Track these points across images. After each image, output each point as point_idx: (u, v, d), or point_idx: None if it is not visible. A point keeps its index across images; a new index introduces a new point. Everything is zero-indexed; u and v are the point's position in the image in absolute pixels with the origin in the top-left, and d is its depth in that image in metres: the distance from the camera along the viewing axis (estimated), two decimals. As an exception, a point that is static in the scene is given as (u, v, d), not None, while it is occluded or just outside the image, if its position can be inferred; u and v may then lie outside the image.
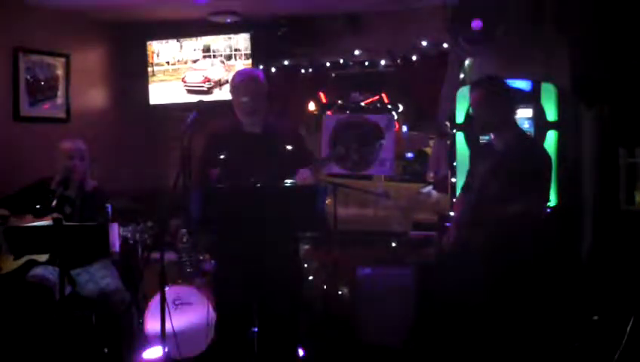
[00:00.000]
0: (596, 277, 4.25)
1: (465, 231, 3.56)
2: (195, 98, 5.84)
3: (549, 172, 3.52)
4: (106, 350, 4.12)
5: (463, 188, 3.83)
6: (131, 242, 3.97)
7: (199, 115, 3.58)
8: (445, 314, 3.70)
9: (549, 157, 3.57)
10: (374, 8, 5.33)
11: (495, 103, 3.53)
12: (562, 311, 3.98)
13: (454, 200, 4.62)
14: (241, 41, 5.67)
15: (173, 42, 5.92)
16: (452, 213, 4.44)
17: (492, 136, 3.67)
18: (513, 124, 3.64)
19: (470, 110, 3.76)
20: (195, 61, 5.85)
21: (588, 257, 4.44)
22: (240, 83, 3.61)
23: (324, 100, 5.86)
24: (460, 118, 4.56)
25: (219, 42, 5.76)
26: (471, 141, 4.48)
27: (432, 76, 5.16)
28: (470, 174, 3.80)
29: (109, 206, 4.27)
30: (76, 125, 5.63)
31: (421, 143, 5.83)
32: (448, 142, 4.84)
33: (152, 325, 4.22)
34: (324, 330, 4.68)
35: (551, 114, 4.40)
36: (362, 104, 5.70)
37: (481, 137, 4.27)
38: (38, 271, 4.03)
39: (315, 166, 3.59)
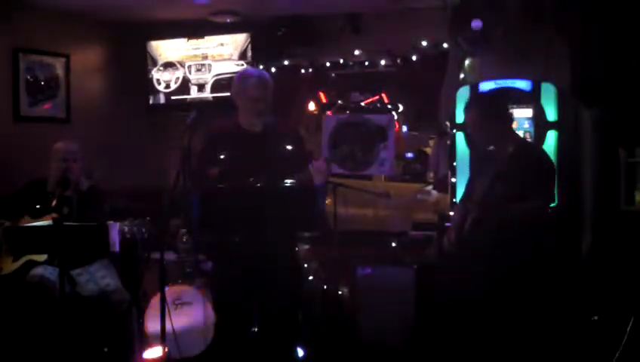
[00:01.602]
0: (596, 277, 4.25)
1: (466, 229, 3.54)
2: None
3: (552, 174, 3.55)
4: (106, 350, 4.12)
5: (462, 197, 3.80)
6: (128, 236, 3.97)
7: (199, 115, 3.58)
8: (445, 313, 3.70)
9: (551, 161, 3.61)
10: (374, 8, 5.33)
11: (491, 123, 3.52)
12: (562, 311, 3.98)
13: (454, 199, 4.63)
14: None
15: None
16: (452, 213, 4.45)
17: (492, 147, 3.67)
18: (512, 135, 3.65)
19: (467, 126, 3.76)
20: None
21: (588, 257, 4.43)
22: (254, 85, 3.55)
23: (324, 100, 5.86)
24: (459, 118, 4.55)
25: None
26: (471, 143, 4.48)
27: (432, 76, 5.16)
28: (471, 182, 3.78)
29: (106, 205, 4.27)
30: (76, 125, 5.63)
31: (421, 143, 5.83)
32: (448, 142, 4.84)
33: (152, 325, 4.22)
34: (324, 330, 4.68)
35: (551, 114, 4.40)
36: (362, 104, 5.70)
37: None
38: (37, 271, 4.03)
39: (327, 160, 3.60)
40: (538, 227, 3.41)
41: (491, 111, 3.55)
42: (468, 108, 3.65)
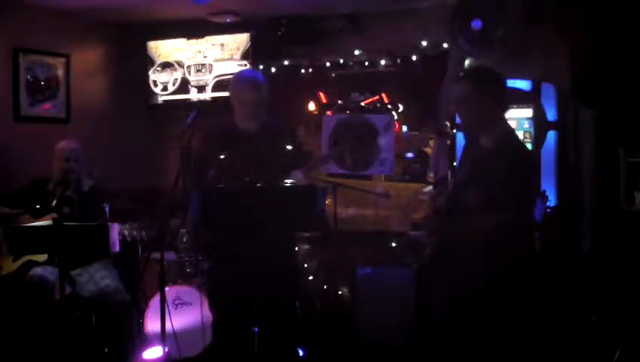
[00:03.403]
0: (596, 277, 4.25)
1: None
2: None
3: (528, 183, 3.19)
4: (106, 350, 4.12)
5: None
6: (129, 240, 3.98)
7: (199, 115, 3.58)
8: (445, 313, 3.69)
9: (530, 168, 3.27)
10: (374, 8, 5.33)
11: (481, 101, 3.11)
12: (562, 311, 3.98)
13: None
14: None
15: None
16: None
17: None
18: (502, 122, 3.22)
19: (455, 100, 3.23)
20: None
21: (588, 257, 4.44)
22: (246, 89, 3.55)
23: (324, 100, 5.86)
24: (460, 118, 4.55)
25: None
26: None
27: (432, 76, 5.17)
28: (456, 174, 3.54)
29: (106, 205, 4.27)
30: (76, 125, 5.63)
31: (421, 143, 5.83)
32: (448, 142, 4.84)
33: (152, 325, 4.22)
34: (324, 330, 4.68)
35: (551, 114, 4.40)
36: (362, 104, 5.70)
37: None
38: (37, 271, 4.03)
39: (307, 166, 3.59)
40: (504, 244, 3.00)
41: (485, 87, 3.14)
42: (460, 80, 3.26)
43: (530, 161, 3.29)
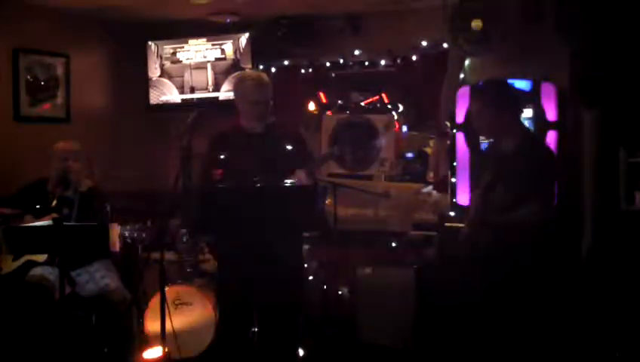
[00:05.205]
0: (596, 277, 4.25)
1: (472, 231, 3.49)
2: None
3: (554, 174, 3.48)
4: (106, 350, 4.12)
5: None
6: (129, 241, 3.97)
7: (199, 115, 3.58)
8: (446, 315, 3.69)
9: (553, 159, 3.52)
10: (374, 8, 5.33)
11: (498, 111, 3.39)
12: (562, 311, 3.98)
13: (454, 199, 4.62)
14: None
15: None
16: (452, 213, 4.44)
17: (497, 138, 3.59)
18: (520, 125, 3.52)
19: (472, 116, 3.53)
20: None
21: (588, 257, 4.43)
22: (252, 89, 3.55)
23: (324, 100, 5.86)
24: (459, 118, 4.56)
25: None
26: (471, 142, 4.48)
27: (432, 76, 5.17)
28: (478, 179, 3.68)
29: (106, 206, 4.27)
30: (76, 125, 5.63)
31: (421, 143, 5.83)
32: (448, 142, 4.84)
33: (152, 325, 4.22)
34: (324, 330, 4.68)
35: (551, 114, 4.40)
36: (362, 104, 5.70)
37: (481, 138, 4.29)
38: (37, 271, 4.04)
39: (309, 167, 3.60)
40: (538, 230, 3.33)
41: (499, 98, 3.42)
42: (474, 95, 3.52)
43: (554, 159, 3.52)
